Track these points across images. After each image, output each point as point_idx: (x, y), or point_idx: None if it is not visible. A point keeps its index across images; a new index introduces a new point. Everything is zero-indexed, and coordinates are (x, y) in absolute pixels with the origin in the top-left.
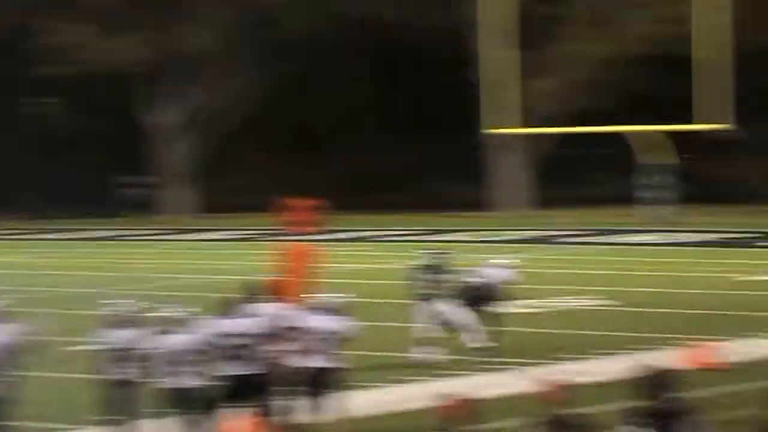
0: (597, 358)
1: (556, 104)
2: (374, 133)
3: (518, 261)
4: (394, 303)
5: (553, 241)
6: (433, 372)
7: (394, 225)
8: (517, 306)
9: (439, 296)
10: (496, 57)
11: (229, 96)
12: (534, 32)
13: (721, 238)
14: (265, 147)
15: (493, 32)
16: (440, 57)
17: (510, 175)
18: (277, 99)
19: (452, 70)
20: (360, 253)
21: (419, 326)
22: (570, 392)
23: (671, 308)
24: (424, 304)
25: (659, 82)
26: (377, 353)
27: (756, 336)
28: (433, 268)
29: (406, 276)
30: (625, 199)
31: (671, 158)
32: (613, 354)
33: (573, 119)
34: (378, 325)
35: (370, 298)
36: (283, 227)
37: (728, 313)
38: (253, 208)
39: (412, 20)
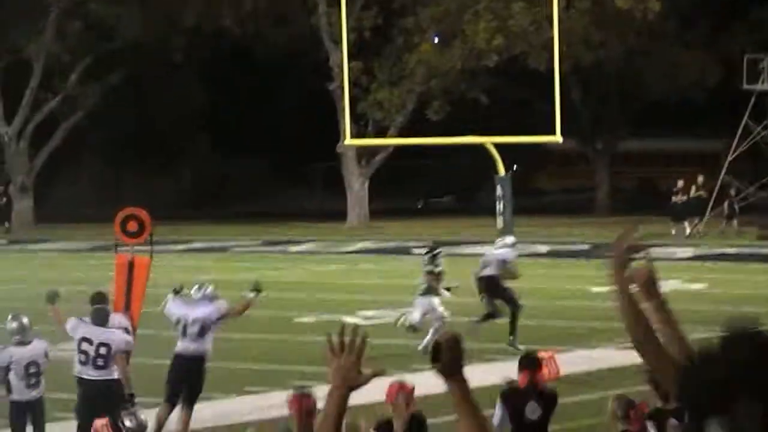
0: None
1: (403, 115)
2: (218, 145)
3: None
4: None
5: (409, 252)
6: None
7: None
8: (366, 317)
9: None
10: (352, 68)
11: (60, 105)
12: (379, 44)
13: (570, 250)
14: (103, 157)
15: (346, 44)
16: (292, 67)
17: (356, 186)
18: (114, 109)
19: (301, 81)
20: (210, 264)
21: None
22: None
23: (528, 320)
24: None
25: (499, 93)
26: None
27: (604, 346)
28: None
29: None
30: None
31: (503, 169)
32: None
33: (415, 130)
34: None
35: None
36: (119, 238)
37: (583, 324)
38: (88, 219)
39: (260, 31)
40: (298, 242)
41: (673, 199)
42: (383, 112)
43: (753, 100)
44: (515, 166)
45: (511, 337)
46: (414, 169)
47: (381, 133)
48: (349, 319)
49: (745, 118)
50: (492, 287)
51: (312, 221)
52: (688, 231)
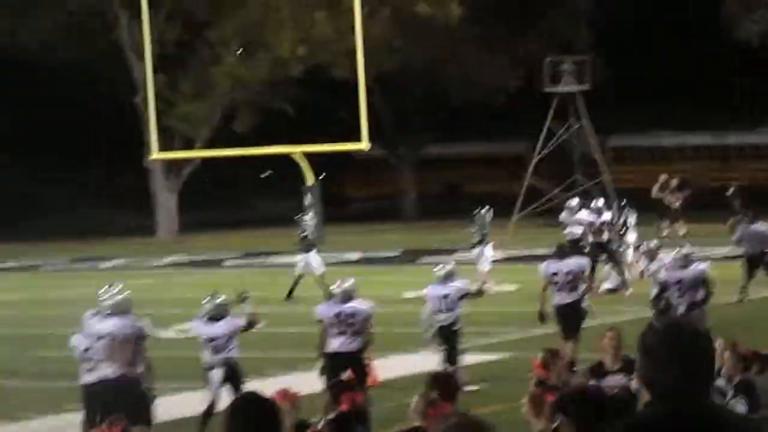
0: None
1: (209, 127)
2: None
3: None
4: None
5: (221, 264)
6: None
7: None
8: (181, 330)
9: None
10: (155, 81)
11: None
12: (183, 56)
13: (380, 257)
14: None
15: (148, 56)
16: (92, 81)
17: (165, 200)
18: None
19: (105, 96)
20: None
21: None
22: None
23: None
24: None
25: (305, 103)
26: None
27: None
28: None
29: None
30: (282, 221)
31: (311, 178)
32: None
33: (222, 141)
34: None
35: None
36: None
37: (395, 330)
38: None
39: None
40: (109, 258)
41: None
42: (188, 125)
43: (555, 102)
44: (322, 174)
45: None
46: (225, 181)
47: (187, 146)
48: (164, 334)
49: (549, 120)
50: None
51: (121, 237)
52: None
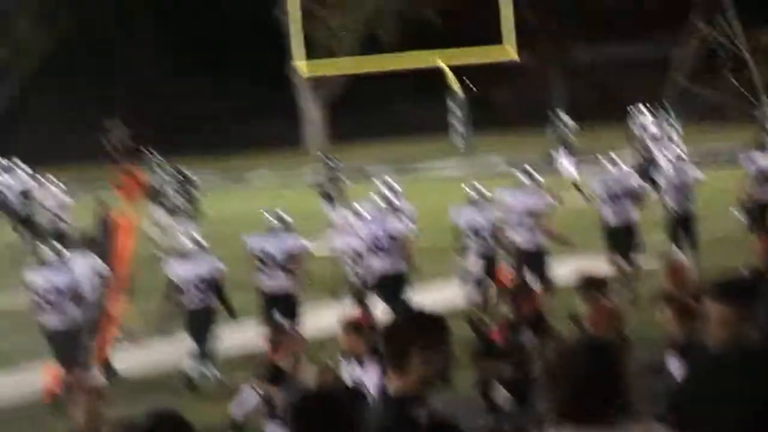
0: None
1: (352, 39)
2: (169, 75)
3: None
4: None
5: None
6: None
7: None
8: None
9: None
10: None
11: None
12: None
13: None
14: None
15: None
16: None
17: (310, 110)
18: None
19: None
20: None
21: None
22: None
23: None
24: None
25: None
26: None
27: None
28: None
29: None
30: (429, 129)
31: (458, 87)
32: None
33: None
34: None
35: None
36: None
37: None
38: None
39: None
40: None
41: None
42: (333, 37)
43: None
44: (470, 84)
45: None
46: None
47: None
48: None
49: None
50: None
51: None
52: None
